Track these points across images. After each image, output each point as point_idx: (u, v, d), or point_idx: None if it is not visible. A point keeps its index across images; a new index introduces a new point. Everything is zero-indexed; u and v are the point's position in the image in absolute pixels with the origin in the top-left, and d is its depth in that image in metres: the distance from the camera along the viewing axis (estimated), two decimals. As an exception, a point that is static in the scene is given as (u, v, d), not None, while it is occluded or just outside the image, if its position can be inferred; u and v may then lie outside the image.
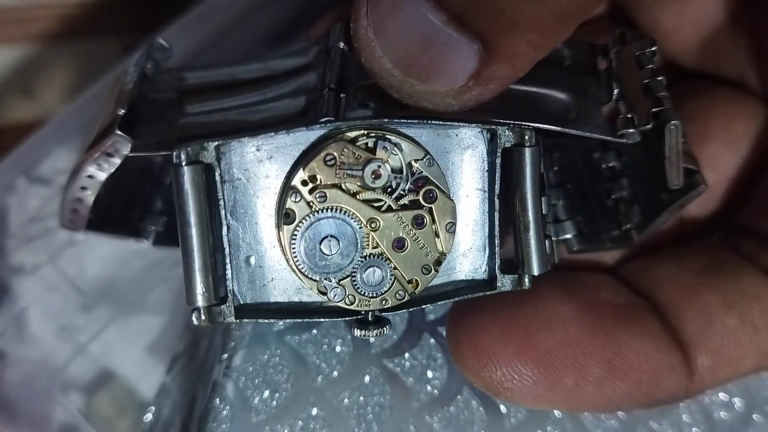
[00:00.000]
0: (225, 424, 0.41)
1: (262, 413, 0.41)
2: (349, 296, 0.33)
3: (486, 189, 0.34)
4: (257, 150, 0.32)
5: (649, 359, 0.35)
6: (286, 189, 0.32)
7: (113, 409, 0.49)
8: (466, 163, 0.33)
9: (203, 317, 0.32)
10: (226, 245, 0.32)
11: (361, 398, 0.42)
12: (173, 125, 0.34)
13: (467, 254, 0.34)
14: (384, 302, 0.33)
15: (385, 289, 0.33)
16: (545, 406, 0.35)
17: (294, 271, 0.33)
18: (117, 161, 0.33)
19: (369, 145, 0.32)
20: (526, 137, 0.32)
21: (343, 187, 0.32)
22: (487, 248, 0.34)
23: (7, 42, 0.59)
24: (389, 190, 0.32)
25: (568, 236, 0.39)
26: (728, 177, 0.39)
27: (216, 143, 0.31)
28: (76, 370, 0.49)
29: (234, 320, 0.32)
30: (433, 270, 0.33)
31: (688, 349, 0.35)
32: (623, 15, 0.42)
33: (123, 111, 0.33)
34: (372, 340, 0.43)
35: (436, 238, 0.33)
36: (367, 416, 0.42)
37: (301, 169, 0.32)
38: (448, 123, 0.32)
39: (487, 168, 0.33)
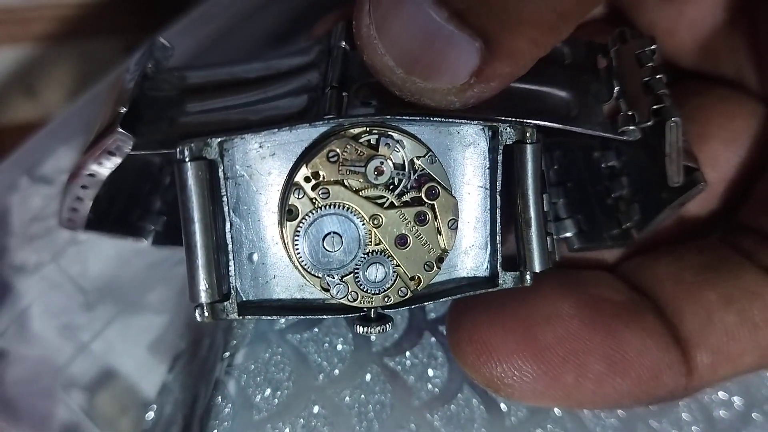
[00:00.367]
0: (227, 422, 0.41)
1: (264, 411, 0.41)
2: (352, 293, 0.33)
3: (488, 186, 0.34)
4: (260, 147, 0.32)
5: (648, 356, 0.35)
6: (289, 185, 0.32)
7: (115, 407, 0.49)
8: (468, 160, 0.33)
9: (206, 314, 0.32)
10: (228, 242, 0.32)
11: (363, 396, 0.42)
12: (175, 124, 0.34)
13: (469, 251, 0.34)
14: (386, 299, 0.33)
15: (387, 286, 0.33)
16: (545, 402, 0.35)
17: (297, 268, 0.33)
18: (118, 159, 0.33)
19: (371, 142, 0.32)
20: (528, 134, 0.32)
21: (346, 183, 0.32)
22: (489, 245, 0.34)
23: (8, 42, 0.59)
24: (391, 186, 0.32)
25: (569, 234, 0.39)
26: (728, 175, 0.39)
27: (219, 139, 0.31)
28: (78, 369, 0.49)
29: (237, 317, 0.32)
30: (435, 267, 0.33)
31: (688, 347, 0.35)
32: (622, 17, 0.42)
33: (125, 109, 0.33)
34: (373, 337, 0.43)
35: (438, 235, 0.33)
36: (368, 414, 0.42)
37: (304, 165, 0.32)
38: (449, 120, 0.32)
39: (488, 165, 0.33)
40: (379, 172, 0.32)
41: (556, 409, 0.43)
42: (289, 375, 0.42)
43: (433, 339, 0.43)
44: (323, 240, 0.32)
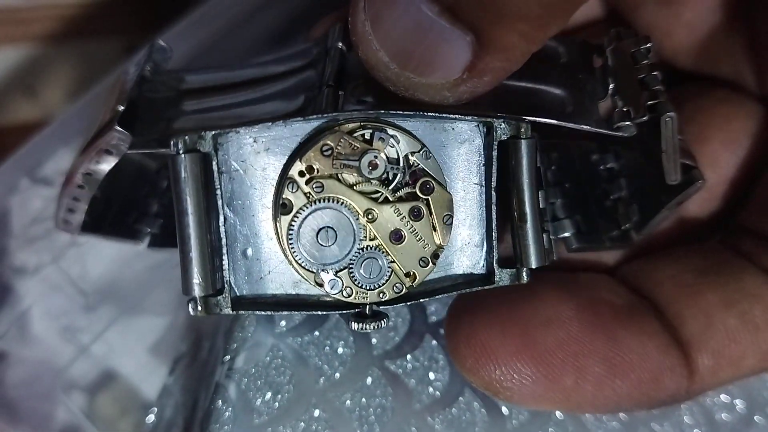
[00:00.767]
0: (227, 425, 0.41)
1: (265, 415, 0.41)
2: (347, 288, 0.33)
3: (483, 183, 0.34)
4: (254, 141, 0.32)
5: (648, 359, 0.34)
6: (283, 180, 0.32)
7: (115, 409, 0.49)
8: (463, 156, 0.33)
9: (199, 308, 0.32)
10: (222, 236, 0.32)
11: (363, 400, 0.42)
12: (171, 123, 0.34)
13: (465, 249, 0.34)
14: (381, 295, 0.33)
15: (382, 281, 0.33)
16: (545, 406, 0.35)
17: (291, 262, 0.33)
18: (116, 158, 0.33)
19: (366, 137, 0.32)
20: (522, 130, 0.32)
21: (340, 177, 0.32)
22: (485, 242, 0.34)
23: (9, 42, 0.59)
24: (386, 182, 0.32)
25: (567, 234, 0.39)
26: (728, 177, 0.39)
27: (213, 133, 0.31)
28: (79, 371, 0.49)
29: (231, 312, 0.32)
30: (430, 263, 0.33)
31: (689, 349, 0.35)
32: (620, 19, 0.42)
33: (122, 108, 0.33)
34: (372, 335, 0.43)
35: (434, 231, 0.33)
36: (369, 418, 0.42)
37: (298, 160, 0.32)
38: (443, 116, 0.32)
39: (483, 162, 0.33)
40: (373, 166, 0.32)
41: (557, 413, 0.43)
42: (289, 378, 0.42)
43: (434, 342, 0.43)
44: (317, 234, 0.32)
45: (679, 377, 0.35)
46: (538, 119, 0.33)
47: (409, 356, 0.43)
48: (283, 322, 0.42)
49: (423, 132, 0.33)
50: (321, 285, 0.33)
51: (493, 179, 0.33)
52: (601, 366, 0.34)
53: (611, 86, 0.35)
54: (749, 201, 0.39)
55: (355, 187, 0.32)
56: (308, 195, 0.32)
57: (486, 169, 0.33)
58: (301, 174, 0.32)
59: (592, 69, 0.36)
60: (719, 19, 0.39)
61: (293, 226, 0.32)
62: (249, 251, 0.33)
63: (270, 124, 0.32)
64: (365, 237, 0.32)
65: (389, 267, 0.33)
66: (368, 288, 0.33)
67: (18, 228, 0.49)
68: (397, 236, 0.33)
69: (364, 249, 0.33)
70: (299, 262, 0.32)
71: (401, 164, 0.32)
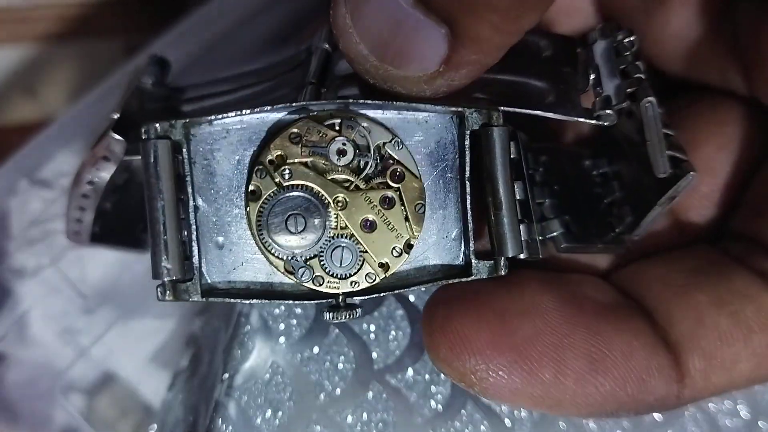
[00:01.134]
0: (228, 445, 0.41)
1: (266, 433, 0.41)
2: (318, 278, 0.33)
3: (458, 175, 0.33)
4: (226, 132, 0.32)
5: (634, 357, 0.33)
6: (253, 167, 0.32)
7: (115, 411, 0.49)
8: (437, 148, 0.33)
9: (168, 292, 0.32)
10: (192, 224, 0.32)
11: (365, 415, 0.42)
12: None
13: (442, 241, 0.34)
14: (354, 285, 0.33)
15: (354, 271, 0.33)
16: (524, 402, 0.34)
17: (260, 249, 0.33)
18: (113, 165, 0.34)
19: (336, 126, 0.32)
20: (494, 118, 0.32)
21: (309, 164, 0.32)
22: (462, 234, 0.34)
23: (9, 42, 0.60)
24: (357, 170, 0.32)
25: (555, 233, 0.38)
26: (723, 181, 0.38)
27: (184, 121, 0.32)
28: (78, 373, 0.49)
29: (200, 299, 0.32)
30: (404, 253, 0.33)
31: (679, 351, 0.34)
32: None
33: (117, 115, 0.34)
34: (372, 349, 0.42)
35: (406, 221, 0.33)
36: (371, 433, 0.42)
37: (267, 147, 0.32)
38: (411, 105, 0.32)
39: (457, 153, 0.33)
40: (342, 153, 0.32)
41: (561, 424, 0.42)
42: (289, 395, 0.41)
43: (435, 355, 0.43)
44: (286, 221, 0.32)
45: (668, 380, 0.33)
46: (515, 110, 0.33)
47: (410, 369, 0.42)
48: (283, 338, 0.42)
49: (396, 123, 0.33)
50: (291, 272, 0.33)
51: (467, 169, 0.33)
52: (582, 361, 0.33)
53: (592, 76, 0.35)
54: (739, 205, 0.38)
55: (325, 175, 0.32)
56: (278, 182, 0.32)
57: (460, 160, 0.33)
58: (270, 162, 0.32)
59: (575, 62, 0.36)
60: (704, 24, 0.39)
61: (262, 212, 0.32)
62: (221, 240, 0.33)
63: (241, 113, 0.32)
64: (336, 225, 0.32)
65: (361, 256, 0.33)
66: (340, 277, 0.33)
67: (17, 230, 0.50)
68: (368, 225, 0.33)
69: (335, 237, 0.32)
70: (269, 249, 0.32)
71: (372, 153, 0.32)
